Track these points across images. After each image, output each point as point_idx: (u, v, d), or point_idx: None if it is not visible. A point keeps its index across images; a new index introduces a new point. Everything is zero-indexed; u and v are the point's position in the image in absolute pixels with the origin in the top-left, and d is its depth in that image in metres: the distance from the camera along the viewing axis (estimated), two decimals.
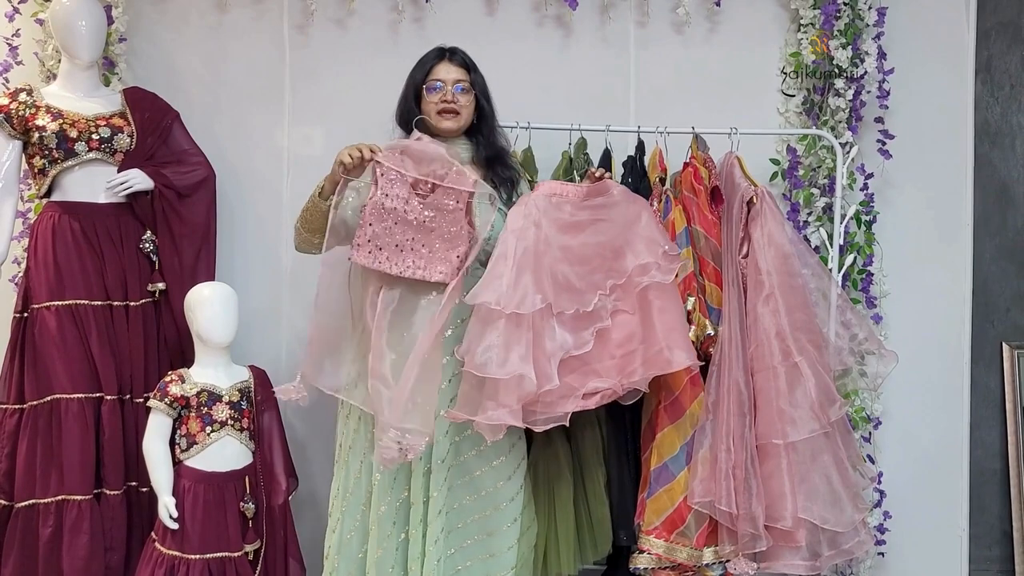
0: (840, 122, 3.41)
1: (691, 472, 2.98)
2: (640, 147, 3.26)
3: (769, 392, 3.00)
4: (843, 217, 3.35)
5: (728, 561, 3.00)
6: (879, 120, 3.47)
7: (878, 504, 3.46)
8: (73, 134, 3.13)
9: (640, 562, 3.00)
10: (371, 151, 2.74)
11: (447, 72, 2.92)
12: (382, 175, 2.75)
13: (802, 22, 3.45)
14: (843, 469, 3.03)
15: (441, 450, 2.80)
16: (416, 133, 2.85)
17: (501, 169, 2.94)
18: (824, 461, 2.99)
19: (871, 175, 3.46)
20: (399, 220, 2.74)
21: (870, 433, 3.47)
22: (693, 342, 3.06)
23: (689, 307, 3.05)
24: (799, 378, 2.98)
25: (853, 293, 3.43)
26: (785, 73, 3.48)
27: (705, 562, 2.99)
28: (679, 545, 2.98)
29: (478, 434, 2.73)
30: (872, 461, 3.46)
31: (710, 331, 3.07)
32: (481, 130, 2.97)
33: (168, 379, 3.03)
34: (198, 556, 2.93)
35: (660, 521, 2.98)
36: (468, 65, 2.96)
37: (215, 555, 2.96)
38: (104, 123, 3.19)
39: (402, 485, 2.83)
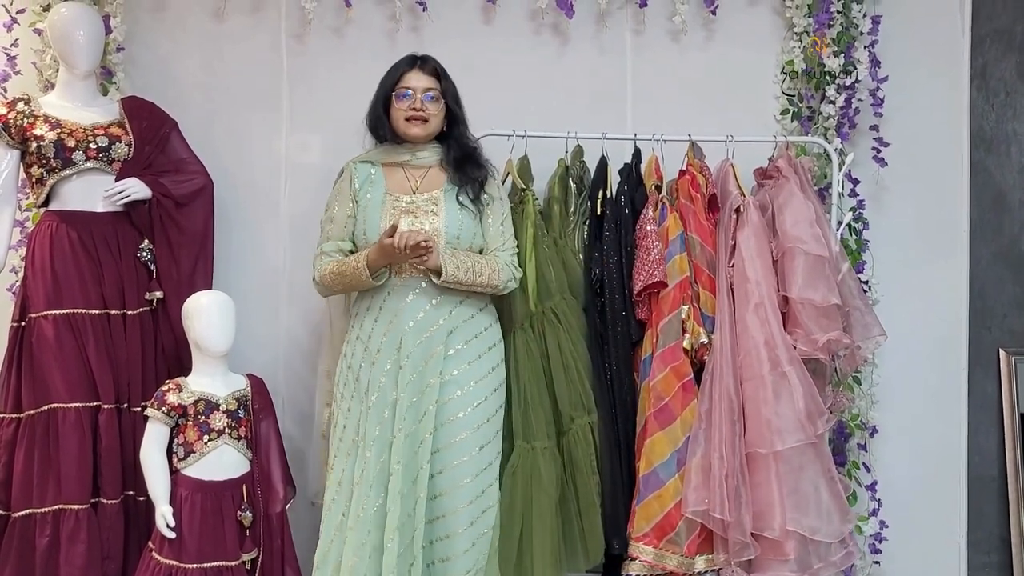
0: (829, 129, 3.41)
1: (684, 480, 2.98)
2: (637, 155, 3.26)
3: (757, 401, 2.99)
4: (839, 224, 3.35)
5: (721, 570, 2.99)
6: (874, 128, 3.47)
7: (875, 512, 3.46)
8: (71, 143, 3.13)
9: (631, 569, 2.99)
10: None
11: (417, 80, 2.95)
12: None
13: (795, 30, 3.46)
14: (831, 480, 3.02)
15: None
16: None
17: (471, 169, 2.98)
18: (812, 471, 2.99)
19: (858, 181, 3.46)
20: None
21: (866, 440, 3.46)
22: (687, 350, 3.06)
23: (683, 315, 3.06)
24: (787, 388, 2.98)
25: None
26: (785, 74, 3.49)
27: (697, 570, 2.98)
28: (669, 552, 2.98)
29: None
30: (868, 469, 3.45)
31: (703, 339, 3.07)
32: (452, 134, 3.02)
33: (165, 388, 3.03)
34: (195, 565, 2.92)
35: (650, 528, 2.98)
36: (439, 73, 2.99)
37: (212, 564, 2.95)
38: (102, 132, 3.19)
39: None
